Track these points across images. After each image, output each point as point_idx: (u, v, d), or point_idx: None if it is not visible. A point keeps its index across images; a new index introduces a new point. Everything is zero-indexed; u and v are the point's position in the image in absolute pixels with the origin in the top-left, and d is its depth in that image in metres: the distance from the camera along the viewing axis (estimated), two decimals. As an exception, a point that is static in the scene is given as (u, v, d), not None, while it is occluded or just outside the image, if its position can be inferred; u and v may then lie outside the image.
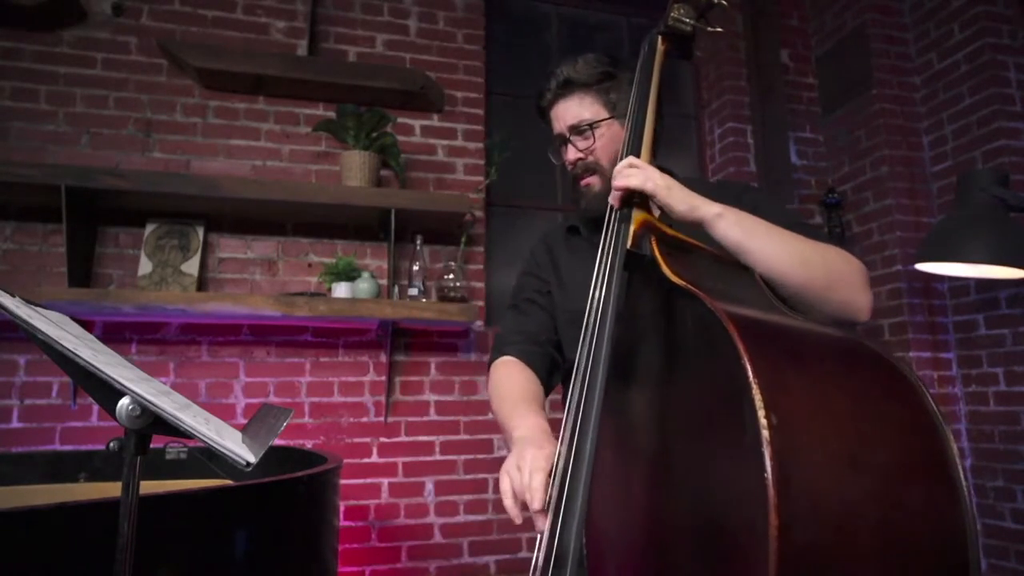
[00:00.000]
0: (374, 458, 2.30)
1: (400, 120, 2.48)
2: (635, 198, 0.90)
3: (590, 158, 1.13)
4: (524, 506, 0.80)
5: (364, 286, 2.23)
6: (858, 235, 2.77)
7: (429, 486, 2.33)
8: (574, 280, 1.18)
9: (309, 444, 2.24)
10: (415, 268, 2.32)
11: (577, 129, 1.13)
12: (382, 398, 2.34)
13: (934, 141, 2.66)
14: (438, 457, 2.36)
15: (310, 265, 2.37)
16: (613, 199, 0.91)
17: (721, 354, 0.62)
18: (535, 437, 0.91)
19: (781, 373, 0.59)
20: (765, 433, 0.54)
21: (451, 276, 2.37)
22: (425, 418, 2.38)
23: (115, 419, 0.69)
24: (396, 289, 2.36)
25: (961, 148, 2.54)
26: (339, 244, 2.41)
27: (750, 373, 0.57)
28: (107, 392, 0.68)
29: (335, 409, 2.30)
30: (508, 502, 0.82)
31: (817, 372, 0.63)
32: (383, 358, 2.36)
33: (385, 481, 2.30)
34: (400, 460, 2.32)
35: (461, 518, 2.34)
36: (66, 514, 0.99)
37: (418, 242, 2.35)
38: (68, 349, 0.67)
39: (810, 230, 1.01)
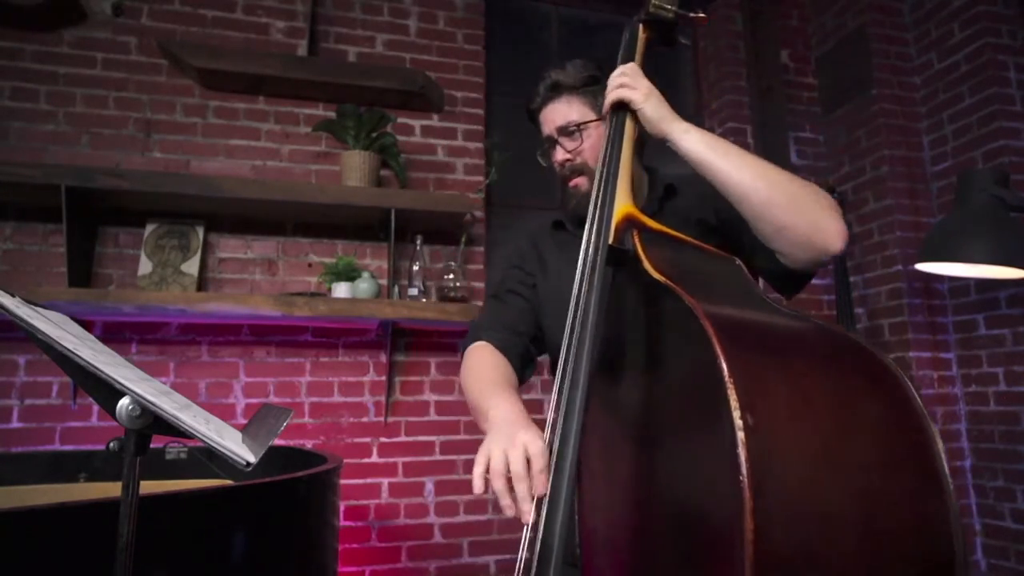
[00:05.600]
0: (374, 458, 2.30)
1: (400, 120, 2.48)
2: (625, 109, 0.98)
3: (578, 159, 1.14)
4: (511, 485, 0.75)
5: (364, 286, 2.23)
6: (858, 235, 2.76)
7: (429, 486, 2.33)
8: (561, 272, 1.18)
9: (309, 444, 2.24)
10: (415, 268, 2.32)
11: (565, 130, 1.14)
12: (382, 398, 2.34)
13: (934, 141, 2.66)
14: (438, 457, 2.36)
15: (310, 265, 2.37)
16: (606, 106, 1.01)
17: (698, 352, 0.61)
18: (516, 418, 0.87)
19: (759, 373, 0.58)
20: (740, 435, 0.53)
21: (451, 276, 2.37)
22: (425, 418, 2.38)
23: (115, 419, 0.69)
24: (396, 289, 2.36)
25: (961, 148, 2.54)
26: (339, 244, 2.41)
27: (726, 373, 0.56)
28: (107, 392, 0.68)
29: (335, 409, 2.30)
30: (499, 485, 0.76)
31: (798, 371, 0.62)
32: (383, 358, 2.36)
33: (385, 481, 2.30)
34: (400, 460, 2.32)
35: (461, 518, 2.34)
36: (66, 514, 0.99)
37: (418, 242, 2.35)
38: (68, 349, 0.67)
39: None
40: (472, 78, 2.65)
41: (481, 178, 2.59)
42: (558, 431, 0.74)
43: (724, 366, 0.57)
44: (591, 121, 1.13)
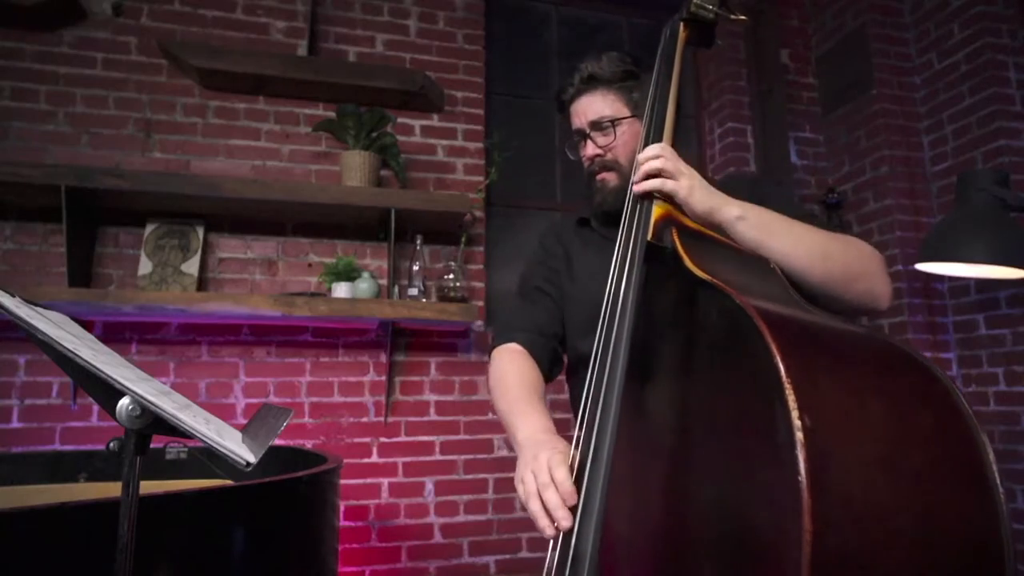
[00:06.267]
0: (374, 458, 2.30)
1: (400, 120, 2.48)
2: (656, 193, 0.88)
3: (608, 155, 1.13)
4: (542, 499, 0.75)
5: (364, 286, 2.23)
6: (858, 235, 2.75)
7: (429, 486, 2.33)
8: (587, 272, 1.17)
9: (309, 444, 2.24)
10: (415, 268, 2.32)
11: (598, 125, 1.13)
12: (382, 398, 2.34)
13: (934, 141, 2.66)
14: (438, 457, 2.36)
15: (310, 265, 2.37)
16: (636, 187, 0.90)
17: (750, 352, 0.59)
18: (542, 439, 0.88)
19: (813, 373, 0.57)
20: (799, 435, 0.52)
21: (451, 276, 2.37)
22: (425, 418, 2.38)
23: (115, 419, 0.69)
24: (396, 289, 2.36)
25: (961, 148, 2.54)
26: (339, 244, 2.41)
27: (783, 373, 0.55)
28: (107, 392, 0.68)
29: (335, 409, 2.30)
30: (534, 506, 0.75)
31: (850, 373, 0.61)
32: (383, 358, 2.36)
33: (385, 481, 2.30)
34: (400, 460, 2.32)
35: (461, 518, 2.34)
36: (66, 514, 0.99)
37: (418, 242, 2.35)
38: (68, 349, 0.67)
39: (819, 222, 1.00)
40: (472, 78, 2.65)
41: (481, 178, 2.58)
42: (592, 434, 0.72)
43: (781, 366, 0.55)
44: (625, 118, 1.12)
